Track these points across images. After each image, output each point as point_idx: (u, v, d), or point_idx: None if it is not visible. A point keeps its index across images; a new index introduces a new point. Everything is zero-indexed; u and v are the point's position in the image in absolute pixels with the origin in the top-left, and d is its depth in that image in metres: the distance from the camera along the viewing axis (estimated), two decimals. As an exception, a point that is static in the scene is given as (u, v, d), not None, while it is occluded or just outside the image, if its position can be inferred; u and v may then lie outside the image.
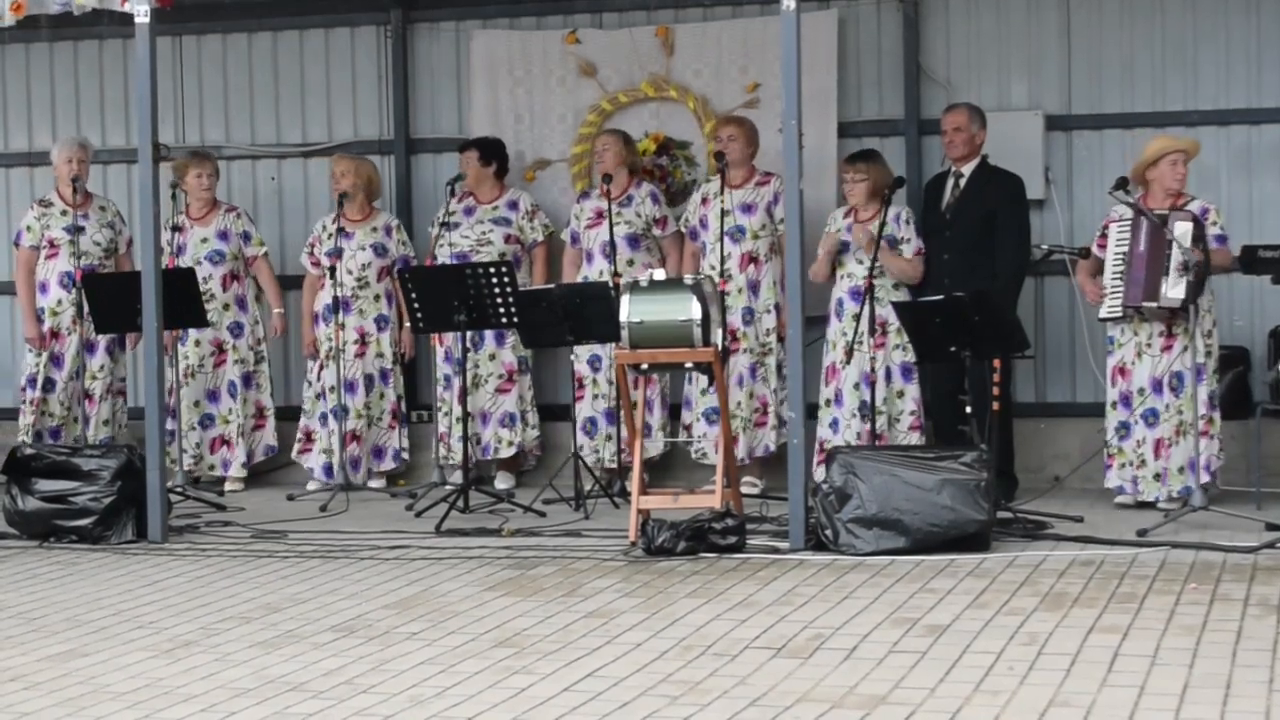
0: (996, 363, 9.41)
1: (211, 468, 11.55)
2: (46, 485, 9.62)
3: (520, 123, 11.81)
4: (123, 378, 11.68)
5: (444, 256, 11.14)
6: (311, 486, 11.33)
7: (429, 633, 7.08)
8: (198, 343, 11.41)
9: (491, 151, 11.40)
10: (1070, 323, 11.06)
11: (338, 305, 11.09)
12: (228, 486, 11.49)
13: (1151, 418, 9.81)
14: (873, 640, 6.73)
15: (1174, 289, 9.45)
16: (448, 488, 10.43)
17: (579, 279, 11.04)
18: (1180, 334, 9.69)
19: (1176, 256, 9.36)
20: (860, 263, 10.33)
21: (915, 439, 10.33)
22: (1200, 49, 10.94)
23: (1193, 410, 9.47)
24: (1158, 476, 9.79)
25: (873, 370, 10.12)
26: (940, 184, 10.59)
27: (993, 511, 8.75)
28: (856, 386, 10.36)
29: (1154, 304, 9.60)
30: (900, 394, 10.40)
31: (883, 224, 10.13)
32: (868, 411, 10.13)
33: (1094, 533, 9.00)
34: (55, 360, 11.48)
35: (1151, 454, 9.82)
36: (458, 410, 10.90)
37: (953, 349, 9.38)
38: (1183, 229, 9.41)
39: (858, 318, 10.13)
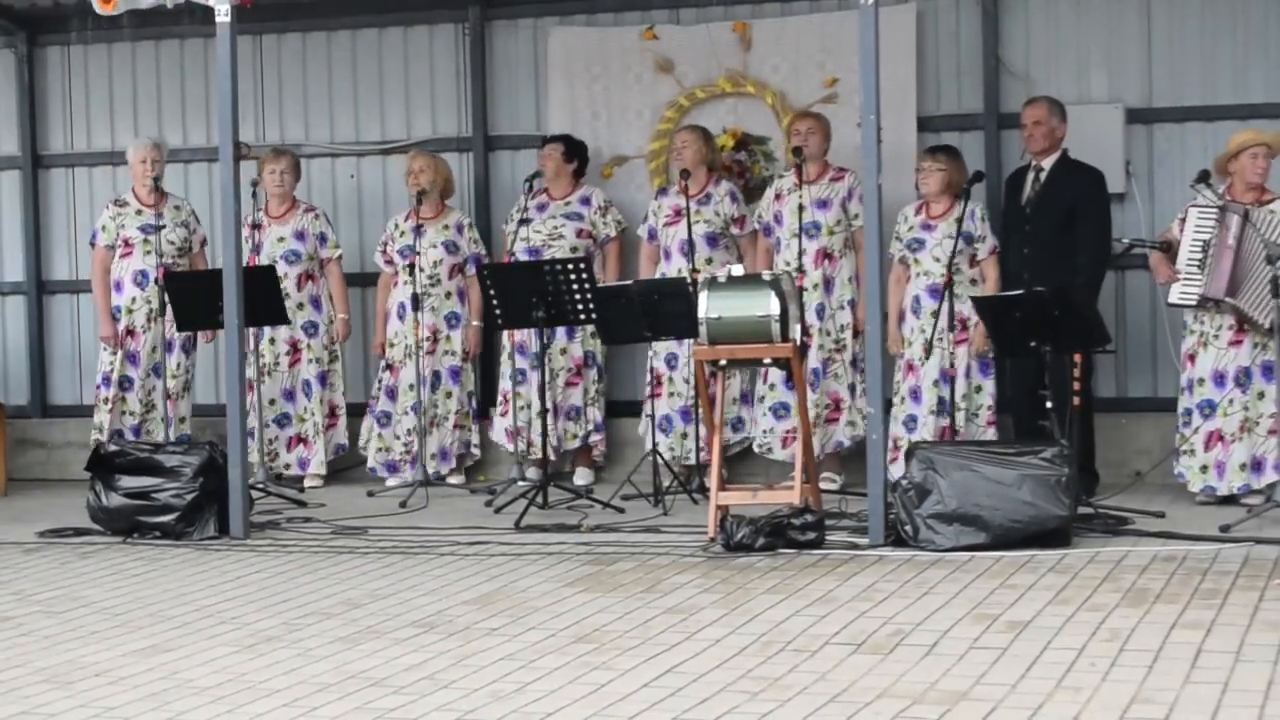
0: (1077, 357, 9.37)
1: (287, 466, 11.60)
2: (130, 482, 9.71)
3: (597, 119, 11.82)
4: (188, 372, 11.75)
5: (518, 252, 11.17)
6: (391, 483, 11.39)
7: (509, 628, 7.10)
8: (272, 341, 11.48)
9: (575, 149, 11.43)
10: (1152, 317, 10.98)
11: (417, 302, 11.14)
12: (308, 483, 11.56)
13: (1207, 409, 9.74)
14: (953, 636, 6.71)
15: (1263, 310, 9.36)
16: (523, 484, 10.46)
17: (657, 276, 11.05)
18: (1250, 330, 9.62)
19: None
20: (937, 260, 10.29)
21: (990, 434, 10.29)
22: (1283, 40, 10.85)
23: (1264, 408, 9.43)
24: (1205, 469, 9.74)
25: (952, 365, 10.10)
26: (1020, 178, 10.54)
27: (1074, 507, 8.70)
28: (935, 383, 10.33)
29: (1234, 301, 9.53)
30: (978, 389, 10.37)
31: (962, 219, 10.09)
32: (946, 408, 10.12)
33: (1176, 529, 8.94)
34: (131, 358, 11.57)
35: (1202, 446, 9.76)
36: (534, 405, 10.93)
37: (1033, 344, 9.34)
38: None
39: (936, 314, 10.11)
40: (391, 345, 11.48)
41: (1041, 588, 7.59)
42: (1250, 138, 9.77)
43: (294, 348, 11.57)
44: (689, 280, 10.31)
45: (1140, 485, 10.37)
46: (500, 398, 11.40)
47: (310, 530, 9.83)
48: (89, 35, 12.46)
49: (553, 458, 10.95)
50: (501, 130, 12.13)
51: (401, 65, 12.28)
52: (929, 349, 10.17)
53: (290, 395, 11.59)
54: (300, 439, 11.61)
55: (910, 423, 10.43)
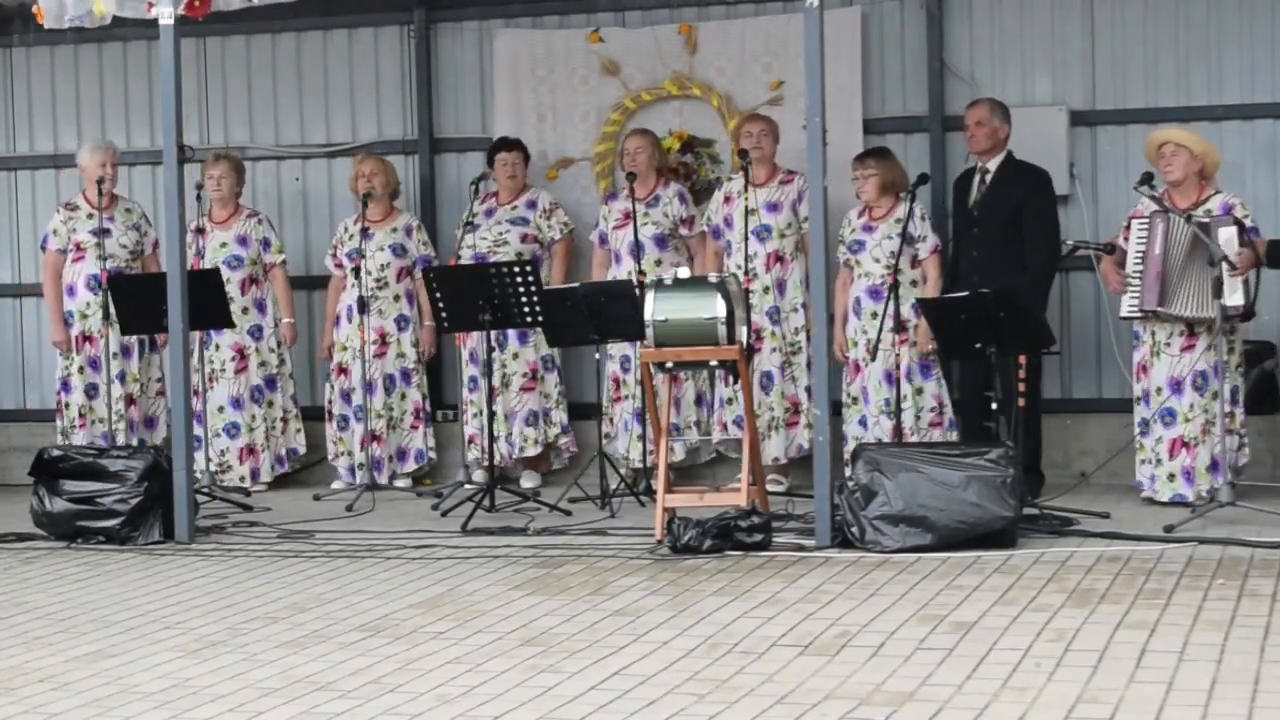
0: (1022, 359, 9.40)
1: (242, 479, 11.52)
2: (74, 486, 9.65)
3: (543, 122, 11.81)
4: (160, 378, 11.68)
5: (465, 258, 11.15)
6: (337, 486, 11.36)
7: (455, 632, 7.09)
8: (218, 347, 11.43)
9: (526, 152, 11.41)
10: (1096, 319, 11.03)
11: (362, 305, 11.11)
12: (254, 487, 11.50)
13: (1168, 418, 9.77)
14: (899, 637, 6.72)
15: (1232, 296, 9.32)
16: (470, 487, 10.44)
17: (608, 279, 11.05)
18: (1203, 333, 9.64)
19: (1226, 268, 9.24)
20: (877, 260, 10.32)
21: (935, 436, 10.31)
22: (1224, 43, 10.91)
23: (1218, 408, 9.45)
24: (1172, 477, 9.76)
25: (897, 367, 10.13)
26: (967, 181, 10.57)
27: (1019, 508, 8.73)
28: (880, 384, 10.35)
29: (1166, 310, 9.56)
30: (919, 391, 10.39)
31: (907, 220, 10.13)
32: (891, 409, 10.14)
33: (1121, 529, 8.98)
34: (92, 364, 11.50)
35: (1167, 454, 9.78)
36: (485, 410, 10.91)
37: (978, 345, 9.37)
38: (1227, 235, 9.34)
39: (878, 315, 10.14)
40: (344, 349, 11.44)
41: (987, 588, 7.62)
42: (1157, 136, 9.83)
43: (240, 354, 11.52)
44: (635, 283, 10.32)
45: (1085, 486, 10.42)
46: (464, 404, 11.38)
47: (256, 535, 9.80)
48: (31, 38, 12.39)
49: (507, 462, 10.96)
50: (447, 133, 12.10)
51: (346, 68, 12.25)
52: (873, 350, 10.19)
53: (238, 403, 11.53)
54: (250, 449, 11.55)
55: (864, 423, 10.45)
